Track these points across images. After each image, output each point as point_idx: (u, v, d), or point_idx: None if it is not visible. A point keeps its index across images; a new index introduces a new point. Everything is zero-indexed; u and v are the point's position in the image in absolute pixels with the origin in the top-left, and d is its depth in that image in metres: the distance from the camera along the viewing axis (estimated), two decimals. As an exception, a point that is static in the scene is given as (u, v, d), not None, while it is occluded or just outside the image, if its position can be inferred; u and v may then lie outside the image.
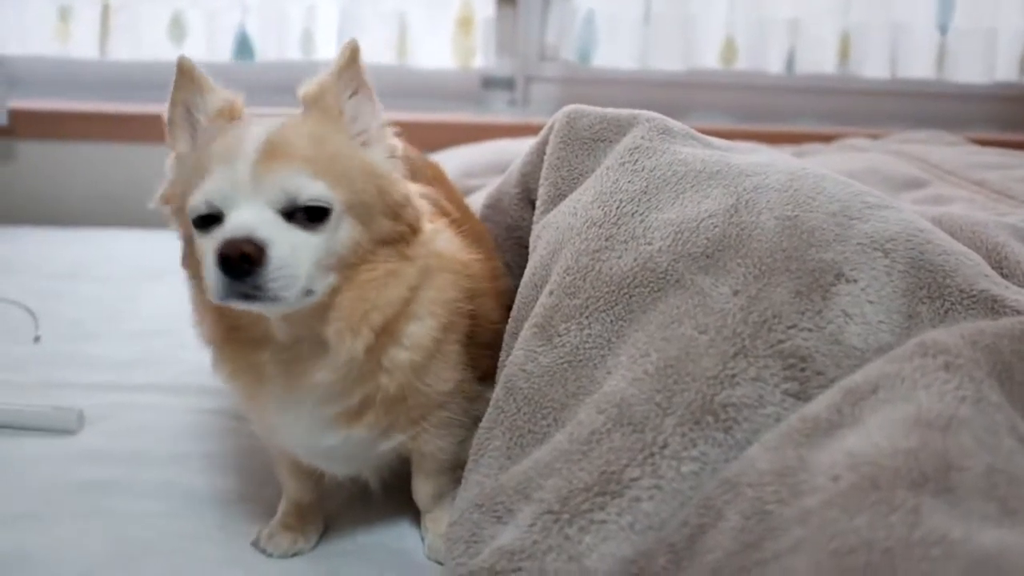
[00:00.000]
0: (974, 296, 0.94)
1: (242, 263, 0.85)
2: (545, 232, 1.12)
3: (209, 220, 0.90)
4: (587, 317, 0.98)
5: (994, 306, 0.93)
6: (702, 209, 1.01)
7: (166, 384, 1.50)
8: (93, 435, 1.32)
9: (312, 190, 0.91)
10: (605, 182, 1.08)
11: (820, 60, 2.88)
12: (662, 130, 1.14)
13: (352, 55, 1.01)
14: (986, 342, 0.83)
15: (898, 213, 1.00)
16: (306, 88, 1.01)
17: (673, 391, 0.87)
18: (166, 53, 2.56)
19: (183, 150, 1.00)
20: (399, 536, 1.12)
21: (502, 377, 1.00)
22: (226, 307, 0.93)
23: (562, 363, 0.96)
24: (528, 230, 1.20)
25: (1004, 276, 1.06)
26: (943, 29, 2.91)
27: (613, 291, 0.98)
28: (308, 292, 0.91)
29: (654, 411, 0.86)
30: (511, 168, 1.33)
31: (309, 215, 0.91)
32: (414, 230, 1.00)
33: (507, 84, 2.96)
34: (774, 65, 2.86)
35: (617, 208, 1.04)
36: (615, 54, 2.78)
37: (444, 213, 1.13)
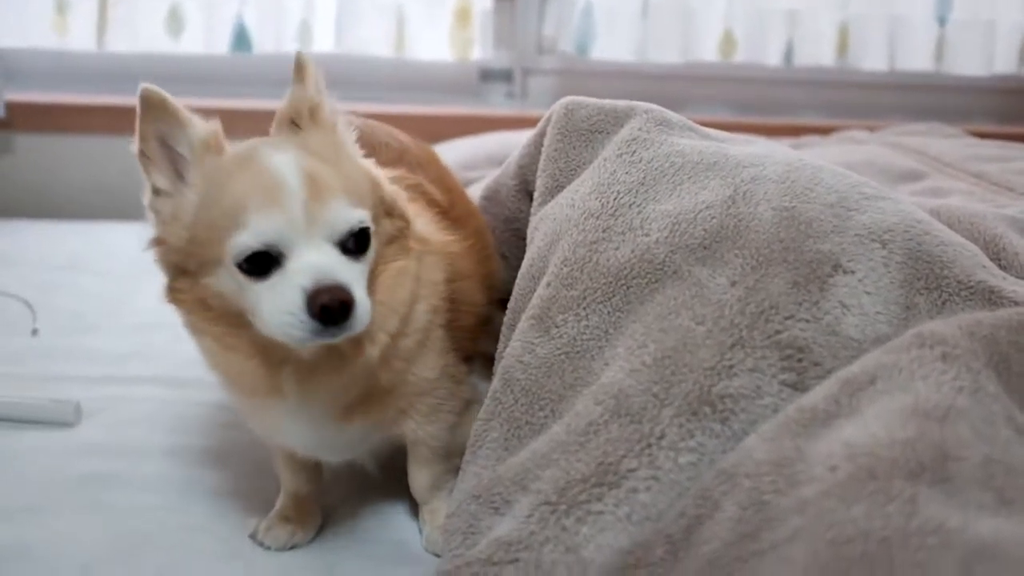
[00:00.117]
0: (972, 287, 0.94)
1: (341, 312, 0.86)
2: (543, 224, 1.11)
3: (264, 263, 0.88)
4: (584, 308, 0.98)
5: (992, 297, 0.93)
6: (699, 200, 1.01)
7: (164, 377, 1.50)
8: (91, 428, 1.32)
9: (358, 218, 0.91)
10: (603, 173, 1.08)
11: (819, 52, 2.88)
12: (659, 121, 1.14)
13: (307, 62, 1.00)
14: (984, 333, 0.83)
15: (895, 204, 1.00)
16: (296, 109, 0.98)
17: (670, 382, 0.87)
18: (164, 46, 2.56)
19: (164, 186, 0.94)
20: (397, 528, 1.12)
21: (499, 369, 1.00)
22: (263, 339, 0.92)
23: (559, 354, 0.96)
24: (526, 222, 1.20)
25: (1002, 267, 1.06)
26: (942, 21, 2.91)
27: (610, 282, 0.98)
28: None
29: (651, 402, 0.86)
30: (509, 160, 1.33)
31: (357, 244, 0.92)
32: (407, 221, 1.01)
33: (505, 76, 2.95)
34: (772, 57, 2.86)
35: (615, 199, 1.04)
36: (613, 46, 2.77)
37: (426, 196, 1.14)
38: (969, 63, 2.93)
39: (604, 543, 0.79)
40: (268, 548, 1.06)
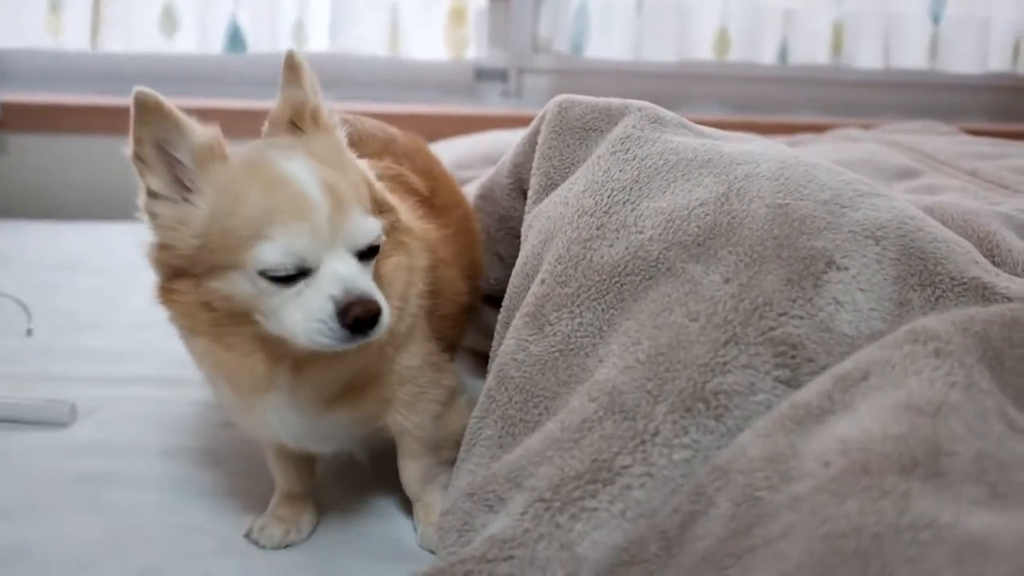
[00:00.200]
0: (965, 283, 0.94)
1: (370, 322, 0.90)
2: (537, 222, 1.12)
3: (292, 273, 0.90)
4: (578, 306, 0.98)
5: (985, 293, 0.93)
6: (693, 197, 1.01)
7: (160, 376, 1.49)
8: (87, 427, 1.32)
9: (376, 230, 0.94)
10: (596, 171, 1.08)
11: (813, 51, 2.88)
12: (653, 119, 1.14)
13: (301, 61, 1.00)
14: (977, 329, 0.83)
15: (889, 201, 1.00)
16: (296, 111, 0.98)
17: (664, 379, 0.87)
18: (157, 45, 2.56)
19: (160, 190, 0.93)
20: (392, 526, 1.12)
21: (494, 366, 1.00)
22: (264, 336, 0.94)
23: (553, 352, 0.96)
24: (520, 220, 1.20)
25: (996, 264, 1.06)
26: (936, 19, 2.91)
27: (604, 280, 0.98)
28: None
29: (645, 399, 0.86)
30: (503, 158, 1.33)
31: (371, 251, 0.94)
32: (396, 214, 1.02)
33: (500, 76, 2.95)
34: (767, 56, 2.86)
35: (608, 197, 1.04)
36: (608, 45, 2.78)
37: (406, 186, 1.15)
38: (963, 61, 2.94)
39: (598, 540, 0.79)
40: (263, 547, 1.06)
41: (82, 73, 2.70)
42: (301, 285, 0.90)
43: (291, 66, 1.00)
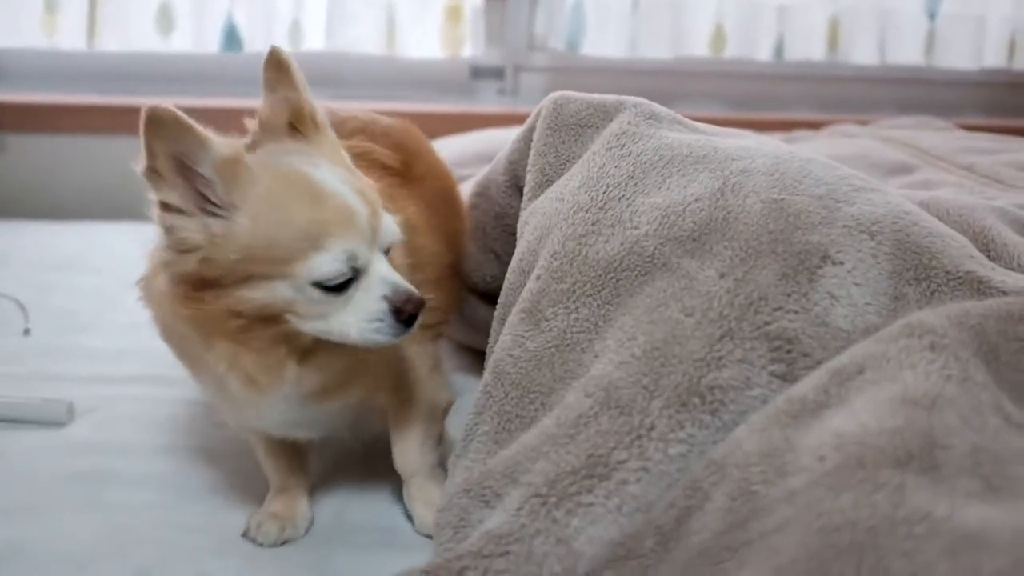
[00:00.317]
0: (960, 277, 0.94)
1: (417, 315, 0.96)
2: (532, 218, 1.12)
3: (346, 281, 0.93)
4: (574, 301, 0.98)
5: (980, 287, 0.94)
6: (688, 193, 1.01)
7: (157, 376, 1.49)
8: (84, 427, 1.32)
9: (397, 224, 0.99)
10: (592, 167, 1.08)
11: (809, 47, 2.89)
12: (648, 115, 1.14)
13: (289, 60, 0.99)
14: (972, 322, 0.83)
15: (884, 196, 1.00)
16: (296, 114, 0.98)
17: (660, 374, 0.87)
18: (154, 45, 2.56)
19: (177, 203, 0.90)
20: (386, 516, 1.12)
21: (490, 363, 1.00)
22: (284, 334, 0.95)
23: (549, 347, 0.96)
24: (516, 217, 1.20)
25: (991, 258, 1.06)
26: (932, 15, 2.92)
27: (600, 275, 0.98)
28: None
29: (641, 394, 0.86)
30: (499, 156, 1.33)
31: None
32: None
33: (496, 73, 2.95)
34: (763, 52, 2.86)
35: (604, 193, 1.05)
36: (604, 43, 2.78)
37: (377, 163, 1.20)
38: (959, 57, 2.94)
39: (595, 535, 0.79)
40: (261, 545, 1.06)
41: (78, 73, 2.70)
42: (353, 290, 0.93)
43: (278, 65, 0.99)
